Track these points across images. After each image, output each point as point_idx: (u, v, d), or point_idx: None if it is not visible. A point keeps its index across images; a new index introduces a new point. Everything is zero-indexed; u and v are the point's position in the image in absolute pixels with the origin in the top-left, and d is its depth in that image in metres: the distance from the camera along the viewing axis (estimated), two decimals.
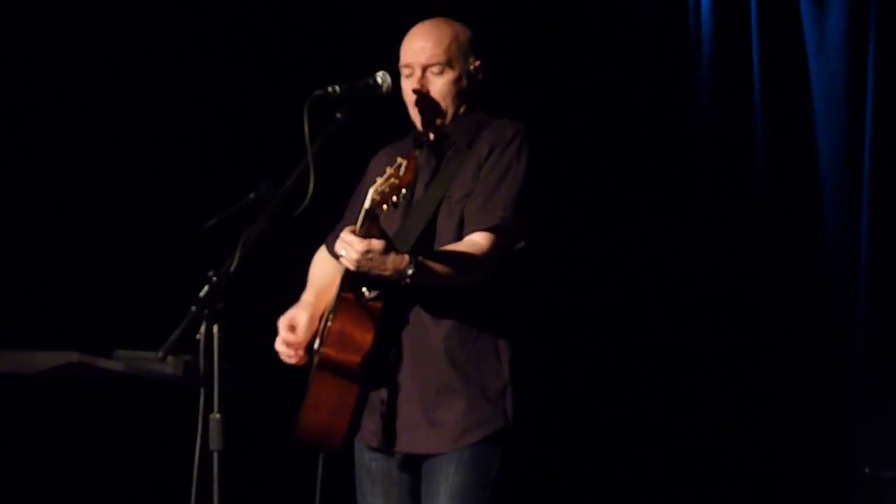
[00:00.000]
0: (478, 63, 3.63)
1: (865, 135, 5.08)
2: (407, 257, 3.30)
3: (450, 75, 3.59)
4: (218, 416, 3.03)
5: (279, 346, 3.59)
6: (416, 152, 3.31)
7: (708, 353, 5.37)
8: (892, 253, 5.04)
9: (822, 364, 5.19)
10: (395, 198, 3.19)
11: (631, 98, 5.51)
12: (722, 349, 5.35)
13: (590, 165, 5.46)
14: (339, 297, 3.41)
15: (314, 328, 3.60)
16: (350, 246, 3.25)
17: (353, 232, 3.27)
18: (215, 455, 3.03)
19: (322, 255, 3.80)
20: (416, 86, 3.58)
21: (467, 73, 3.61)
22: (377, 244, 3.25)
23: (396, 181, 3.18)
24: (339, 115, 3.35)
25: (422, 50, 3.59)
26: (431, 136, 3.62)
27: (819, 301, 5.21)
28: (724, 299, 5.37)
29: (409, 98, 3.61)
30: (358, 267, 3.27)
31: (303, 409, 3.45)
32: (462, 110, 3.62)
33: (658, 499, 5.44)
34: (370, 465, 3.57)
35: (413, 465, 3.52)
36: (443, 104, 3.59)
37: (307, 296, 3.69)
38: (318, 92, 3.34)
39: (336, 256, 3.52)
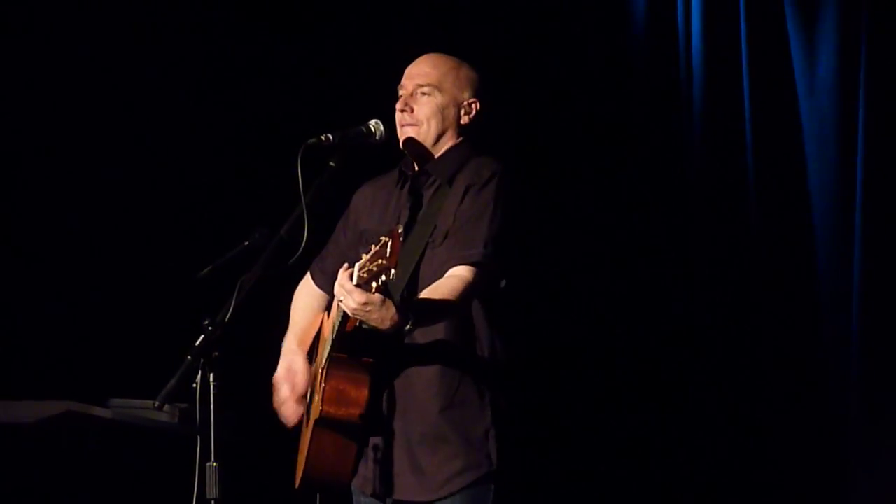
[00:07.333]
0: (474, 101, 3.64)
1: (857, 178, 5.08)
2: (403, 311, 3.24)
3: (437, 99, 3.60)
4: (215, 464, 3.04)
5: (281, 406, 3.65)
6: (400, 228, 3.27)
7: (698, 371, 5.36)
8: (884, 297, 5.04)
9: (815, 376, 5.18)
10: (383, 277, 3.12)
11: (621, 140, 5.52)
12: (714, 367, 5.34)
13: (576, 199, 5.47)
14: (331, 357, 3.42)
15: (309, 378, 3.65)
16: (349, 295, 3.21)
17: (351, 276, 3.22)
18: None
19: (305, 289, 3.82)
20: (401, 103, 3.61)
21: (457, 104, 3.62)
22: (376, 298, 3.19)
23: (384, 262, 3.11)
24: (332, 163, 3.36)
25: (418, 71, 3.64)
26: (416, 167, 3.61)
27: (812, 326, 5.21)
28: (720, 320, 5.35)
29: (397, 118, 3.61)
30: (354, 315, 3.26)
31: (305, 463, 3.47)
32: (445, 142, 3.62)
33: None
34: None
35: None
36: (423, 126, 3.59)
37: (289, 344, 3.73)
38: (311, 140, 3.35)
39: (320, 287, 3.68)
